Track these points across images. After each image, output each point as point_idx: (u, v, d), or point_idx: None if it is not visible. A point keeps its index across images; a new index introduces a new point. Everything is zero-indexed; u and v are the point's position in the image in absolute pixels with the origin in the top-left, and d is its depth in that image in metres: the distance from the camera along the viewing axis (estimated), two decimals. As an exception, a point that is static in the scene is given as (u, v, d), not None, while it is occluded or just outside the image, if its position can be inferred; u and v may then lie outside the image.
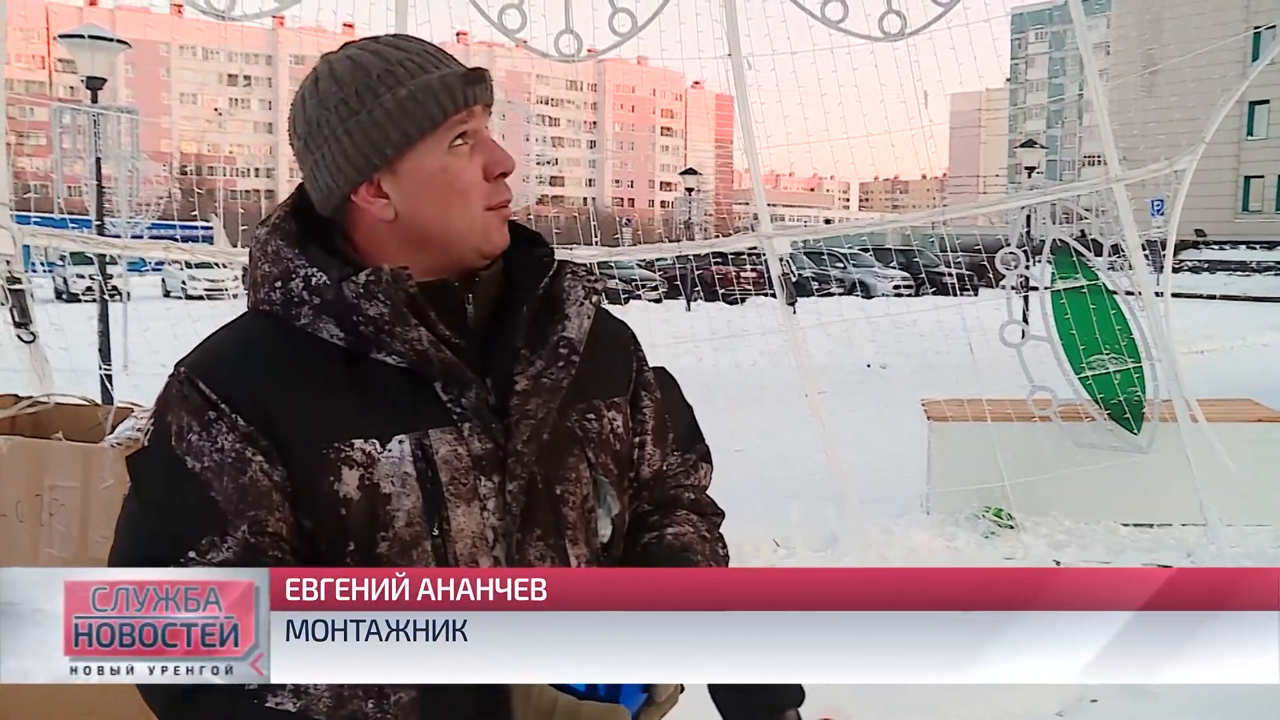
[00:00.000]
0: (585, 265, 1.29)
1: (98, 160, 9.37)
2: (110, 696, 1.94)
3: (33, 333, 3.49)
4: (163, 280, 17.38)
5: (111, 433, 2.22)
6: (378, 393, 1.12)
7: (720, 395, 7.31)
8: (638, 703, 1.12)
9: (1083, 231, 5.85)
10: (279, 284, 1.15)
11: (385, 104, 1.14)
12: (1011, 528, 5.75)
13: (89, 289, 8.35)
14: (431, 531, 1.10)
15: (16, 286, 3.43)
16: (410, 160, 1.15)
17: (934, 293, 8.26)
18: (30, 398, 2.38)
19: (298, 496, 1.10)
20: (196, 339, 1.20)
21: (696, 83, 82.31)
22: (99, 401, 2.80)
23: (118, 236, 7.99)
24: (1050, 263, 5.81)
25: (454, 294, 1.17)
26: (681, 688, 1.18)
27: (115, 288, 8.72)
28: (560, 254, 1.26)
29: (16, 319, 3.45)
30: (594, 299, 1.24)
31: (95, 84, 9.40)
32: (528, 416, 1.15)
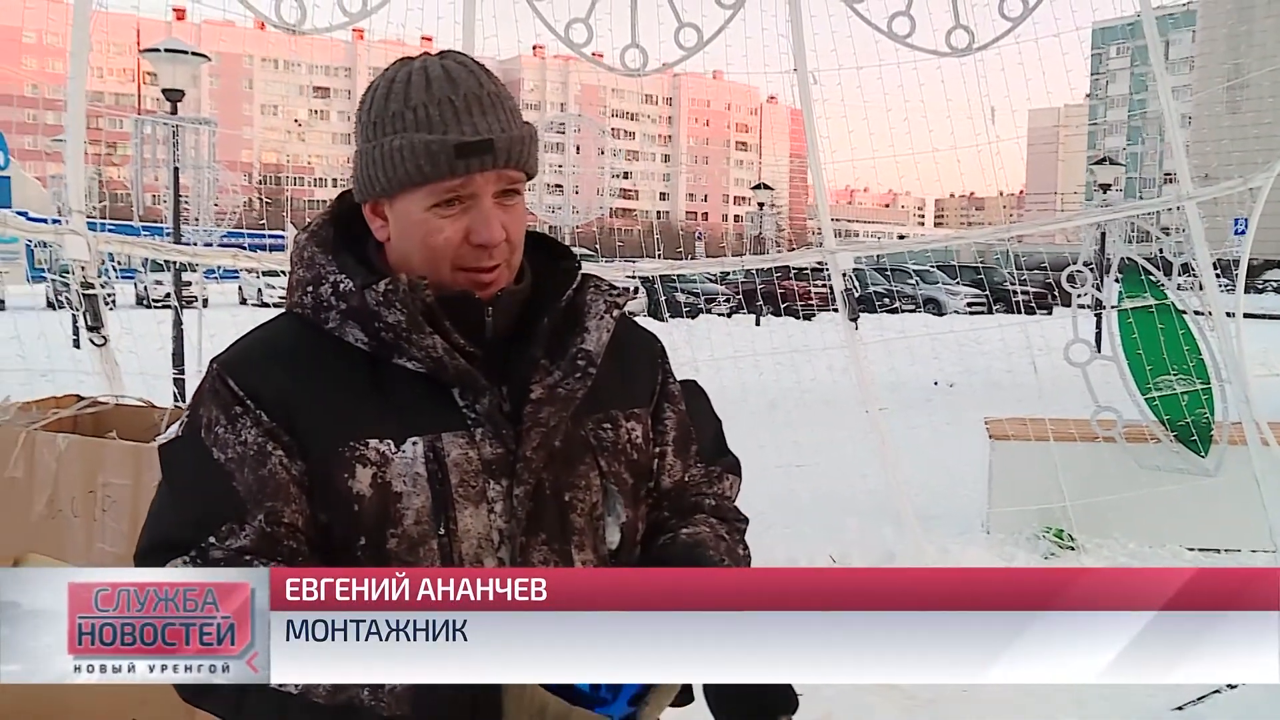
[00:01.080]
0: (609, 280, 1.31)
1: (175, 170, 9.69)
2: (161, 690, 2.00)
3: (104, 336, 3.63)
4: (239, 288, 17.81)
5: (165, 432, 2.30)
6: (396, 396, 1.17)
7: (784, 410, 7.28)
8: (638, 704, 1.14)
9: (1160, 250, 5.73)
10: (310, 288, 1.21)
11: (386, 145, 1.19)
12: (1073, 549, 5.63)
13: (168, 295, 8.60)
14: (439, 530, 1.15)
15: (90, 291, 3.56)
16: (399, 202, 1.20)
17: (1004, 310, 8.10)
18: (91, 399, 2.47)
19: (315, 490, 1.15)
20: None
21: (771, 98, 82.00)
22: (170, 404, 2.89)
23: (192, 244, 8.24)
24: (1118, 281, 5.69)
25: (474, 305, 1.21)
26: (687, 689, 1.20)
27: (193, 295, 8.98)
28: (589, 268, 1.30)
29: (90, 323, 3.59)
30: (614, 313, 1.27)
31: (174, 96, 9.73)
32: (539, 424, 1.19)
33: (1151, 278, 5.52)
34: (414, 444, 1.15)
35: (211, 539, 1.12)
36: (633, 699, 1.15)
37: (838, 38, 5.92)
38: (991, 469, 6.03)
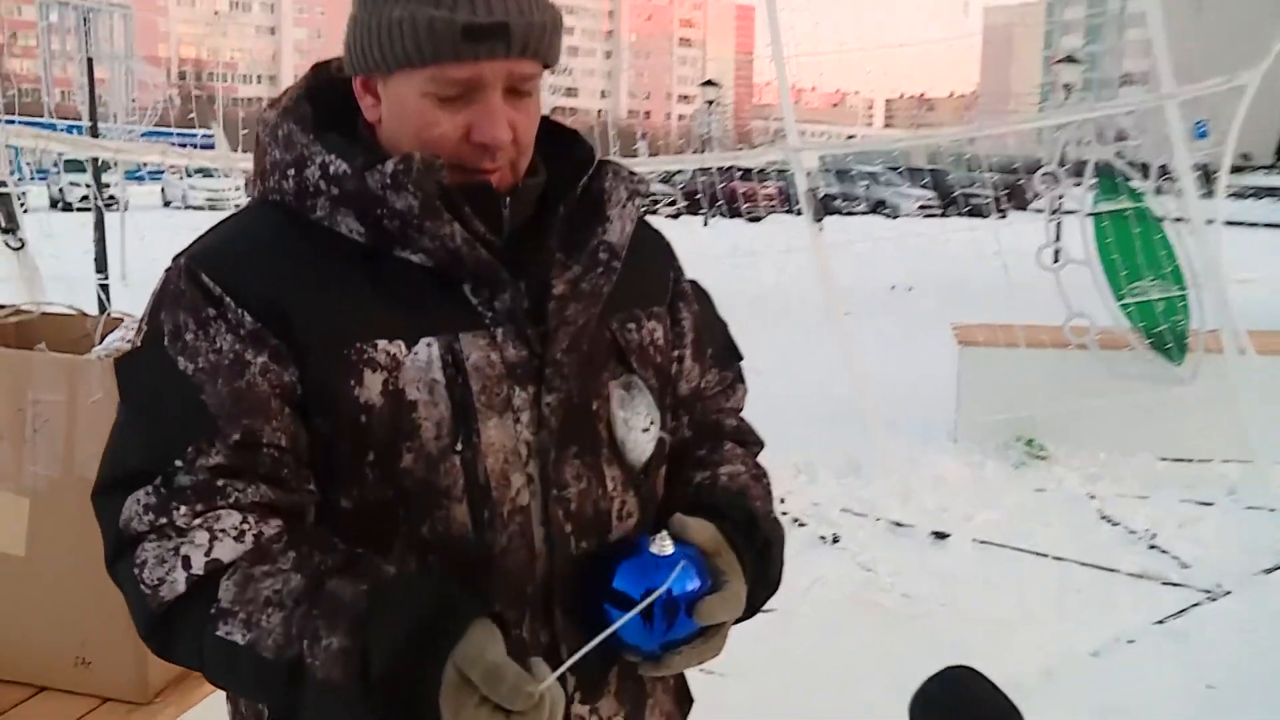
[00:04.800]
0: (629, 166, 1.20)
1: (89, 60, 9.15)
2: (109, 629, 1.90)
3: (21, 239, 3.39)
4: (162, 190, 17.19)
5: (100, 344, 2.11)
6: (402, 292, 1.05)
7: (739, 315, 7.18)
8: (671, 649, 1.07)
9: (1119, 153, 5.66)
10: (291, 172, 1.08)
11: (385, 15, 1.04)
12: (1044, 459, 5.66)
13: (85, 198, 8.19)
14: (460, 444, 1.04)
15: (2, 190, 3.31)
16: (394, 83, 1.07)
17: (965, 213, 8.08)
18: (13, 306, 2.27)
19: (314, 400, 1.04)
20: (197, 244, 1.11)
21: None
22: (97, 313, 2.68)
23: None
24: (1092, 185, 5.62)
25: (490, 196, 1.09)
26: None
27: (112, 196, 8.58)
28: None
29: (3, 224, 3.35)
30: (637, 201, 1.17)
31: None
32: (566, 323, 1.09)
33: (1128, 181, 5.45)
34: (428, 345, 1.04)
35: (178, 462, 1.00)
36: (668, 645, 1.07)
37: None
38: (960, 376, 6.02)
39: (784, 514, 4.96)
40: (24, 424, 1.91)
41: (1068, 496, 5.24)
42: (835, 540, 4.70)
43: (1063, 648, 3.60)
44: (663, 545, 1.06)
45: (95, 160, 6.04)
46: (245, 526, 1.00)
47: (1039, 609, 3.91)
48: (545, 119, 1.18)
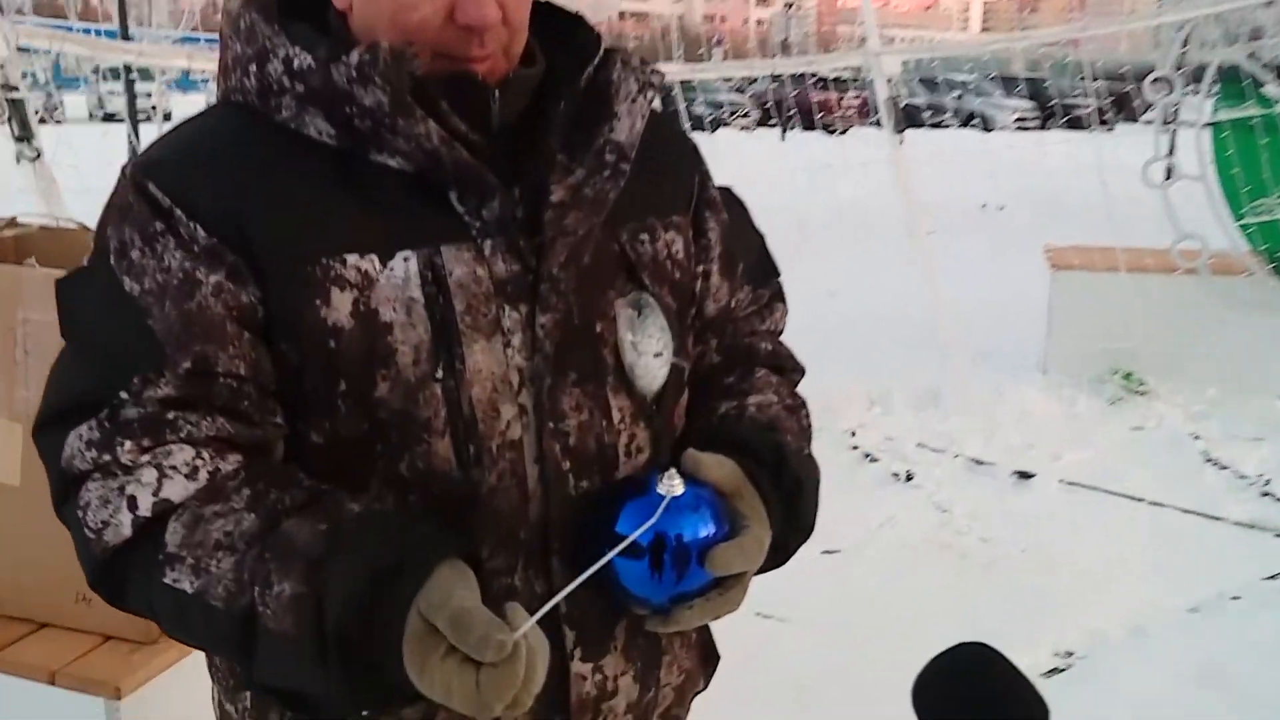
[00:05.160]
0: (640, 56, 1.11)
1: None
2: None
3: (36, 149, 3.35)
4: (206, 100, 17.24)
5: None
6: (378, 201, 0.99)
7: (815, 231, 7.01)
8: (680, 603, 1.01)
9: (1251, 54, 5.31)
10: (254, 67, 1.02)
11: None
12: (1143, 394, 5.45)
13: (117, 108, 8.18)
14: (441, 371, 0.98)
15: (15, 95, 3.26)
16: None
17: (1065, 125, 7.75)
18: (7, 219, 2.23)
19: (278, 323, 0.98)
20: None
21: (799, -117, 78.23)
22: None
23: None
24: (1213, 92, 5.30)
25: (475, 88, 1.01)
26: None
27: (153, 106, 8.56)
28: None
29: (16, 133, 3.31)
30: (649, 94, 1.09)
31: None
32: (565, 233, 1.03)
33: (1258, 86, 5.12)
34: (405, 260, 0.98)
35: (124, 394, 0.95)
36: (678, 597, 1.01)
37: None
38: (1051, 302, 5.81)
39: (854, 448, 4.91)
40: (14, 345, 1.88)
41: (1169, 436, 5.05)
42: (909, 478, 4.62)
43: (1156, 602, 3.48)
44: (671, 484, 0.98)
45: (127, 67, 5.98)
46: (199, 463, 0.95)
47: (1131, 559, 3.78)
48: (544, 1, 1.10)
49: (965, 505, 4.31)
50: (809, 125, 9.09)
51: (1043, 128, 10.17)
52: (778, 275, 1.31)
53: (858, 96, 13.36)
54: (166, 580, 0.92)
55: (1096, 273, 5.57)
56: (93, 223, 2.56)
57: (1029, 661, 3.18)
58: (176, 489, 0.94)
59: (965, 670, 0.97)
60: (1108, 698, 2.98)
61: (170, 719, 1.96)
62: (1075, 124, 7.75)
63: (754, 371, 1.21)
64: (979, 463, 4.74)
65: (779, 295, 1.31)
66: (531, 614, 0.86)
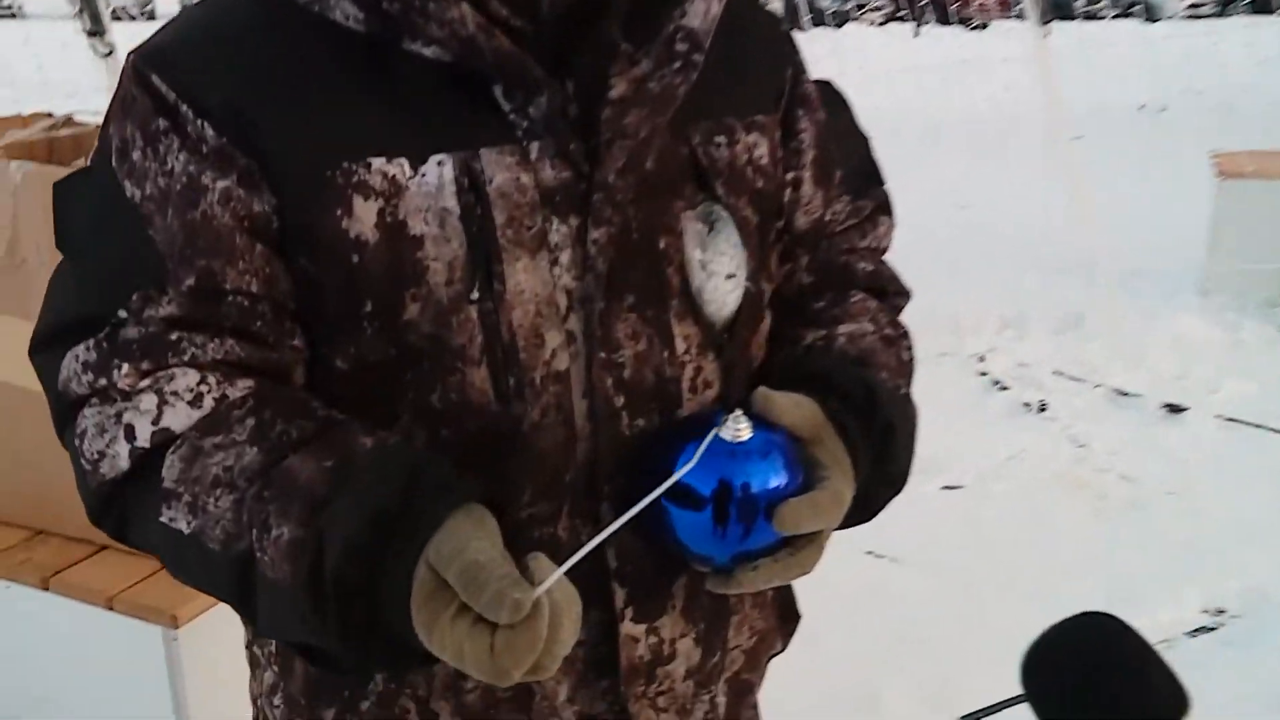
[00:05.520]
0: None
1: None
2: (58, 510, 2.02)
3: (109, 44, 3.34)
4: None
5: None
6: (410, 96, 0.93)
7: (949, 138, 6.77)
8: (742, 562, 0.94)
9: None
10: None
11: None
12: (1319, 319, 5.16)
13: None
14: (477, 291, 0.93)
15: (85, -13, 3.25)
16: None
17: (1249, 9, 7.25)
18: (64, 117, 2.22)
19: (295, 235, 0.93)
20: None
21: None
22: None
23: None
24: None
25: None
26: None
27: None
28: None
29: (89, 27, 3.30)
30: None
31: None
32: (624, 135, 0.95)
33: None
34: (439, 164, 0.92)
35: (123, 312, 0.91)
36: (741, 556, 0.93)
37: None
38: (1217, 215, 5.50)
39: (982, 375, 4.76)
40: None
41: (1347, 370, 4.77)
42: (1043, 408, 4.47)
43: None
44: (737, 428, 0.90)
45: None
46: (203, 389, 0.90)
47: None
48: None
49: (1105, 440, 4.15)
50: (944, 19, 8.75)
51: (1221, 13, 9.51)
52: (882, 184, 1.22)
53: (1002, -15, 12.79)
54: (163, 519, 0.88)
55: (1271, 181, 5.28)
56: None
57: (1173, 618, 3.07)
58: (179, 418, 0.89)
59: (1086, 649, 0.86)
60: (1264, 663, 2.84)
61: (229, 650, 1.96)
62: (1262, 7, 7.25)
63: (849, 295, 1.13)
64: (1123, 394, 4.56)
65: (884, 207, 1.22)
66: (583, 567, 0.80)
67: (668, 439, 0.94)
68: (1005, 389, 4.61)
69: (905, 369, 1.10)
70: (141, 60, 0.94)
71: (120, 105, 0.95)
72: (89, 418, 0.91)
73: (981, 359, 4.87)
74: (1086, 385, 4.64)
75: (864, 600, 2.97)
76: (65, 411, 0.94)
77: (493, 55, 0.90)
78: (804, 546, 0.95)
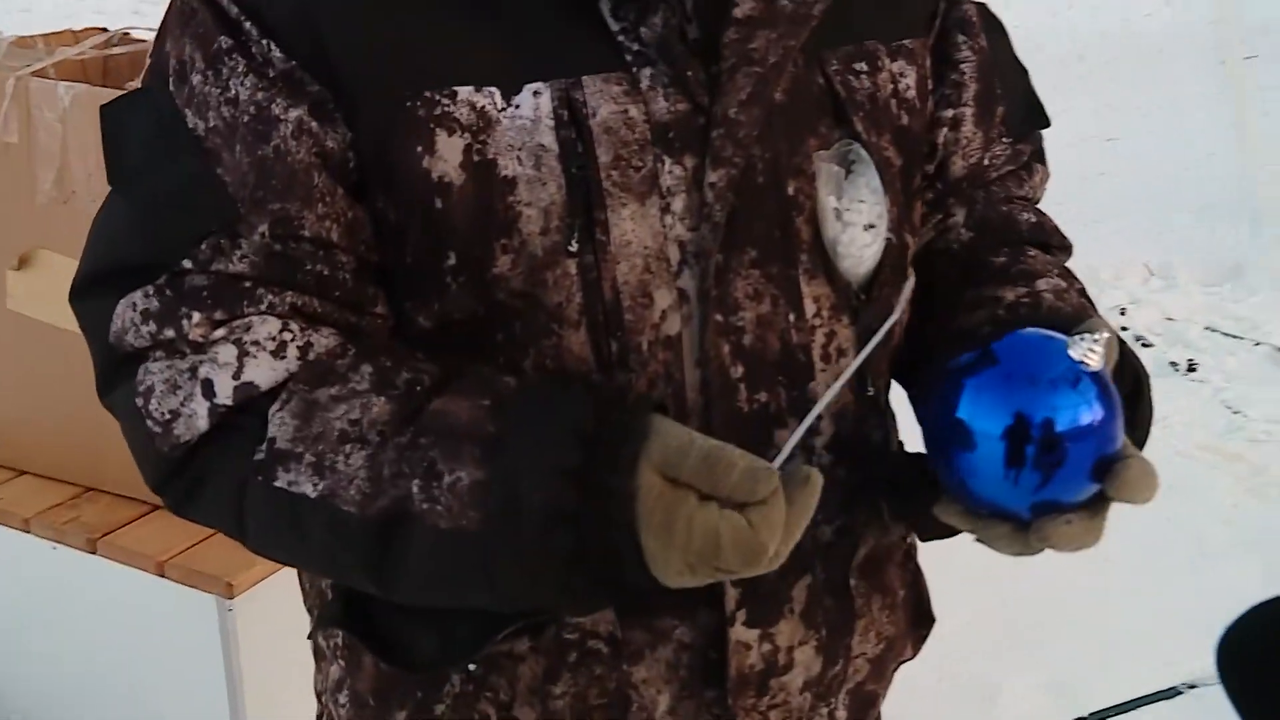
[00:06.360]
0: None
1: None
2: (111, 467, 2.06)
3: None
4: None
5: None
6: (502, 14, 0.91)
7: (1092, 59, 6.57)
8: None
9: None
10: None
11: None
12: None
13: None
14: (576, 242, 0.90)
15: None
16: None
17: None
18: (120, 31, 2.24)
19: (372, 173, 0.92)
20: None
21: None
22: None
23: None
24: None
25: None
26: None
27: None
28: None
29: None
30: None
31: None
32: (750, 60, 0.92)
33: None
34: (535, 95, 0.90)
35: (186, 261, 0.89)
36: (1045, 507, 0.89)
37: None
38: None
39: (1124, 329, 4.69)
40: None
41: None
42: (1191, 369, 4.42)
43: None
44: (1091, 348, 0.85)
45: None
46: (286, 336, 0.89)
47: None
48: None
49: (1264, 407, 4.10)
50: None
51: None
52: (1045, 125, 1.19)
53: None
54: (278, 484, 0.87)
55: None
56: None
57: None
58: (262, 371, 0.89)
59: None
60: None
61: (286, 623, 1.99)
62: None
63: (1025, 250, 1.11)
64: (1287, 354, 4.51)
65: (1040, 154, 1.20)
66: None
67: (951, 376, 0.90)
68: (1149, 346, 4.56)
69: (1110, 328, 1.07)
70: None
71: (177, 19, 0.93)
72: (155, 373, 0.90)
73: (1122, 311, 4.81)
74: (1244, 344, 4.57)
75: (983, 587, 2.95)
76: (117, 365, 0.92)
77: None
78: (1100, 510, 0.91)
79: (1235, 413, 4.09)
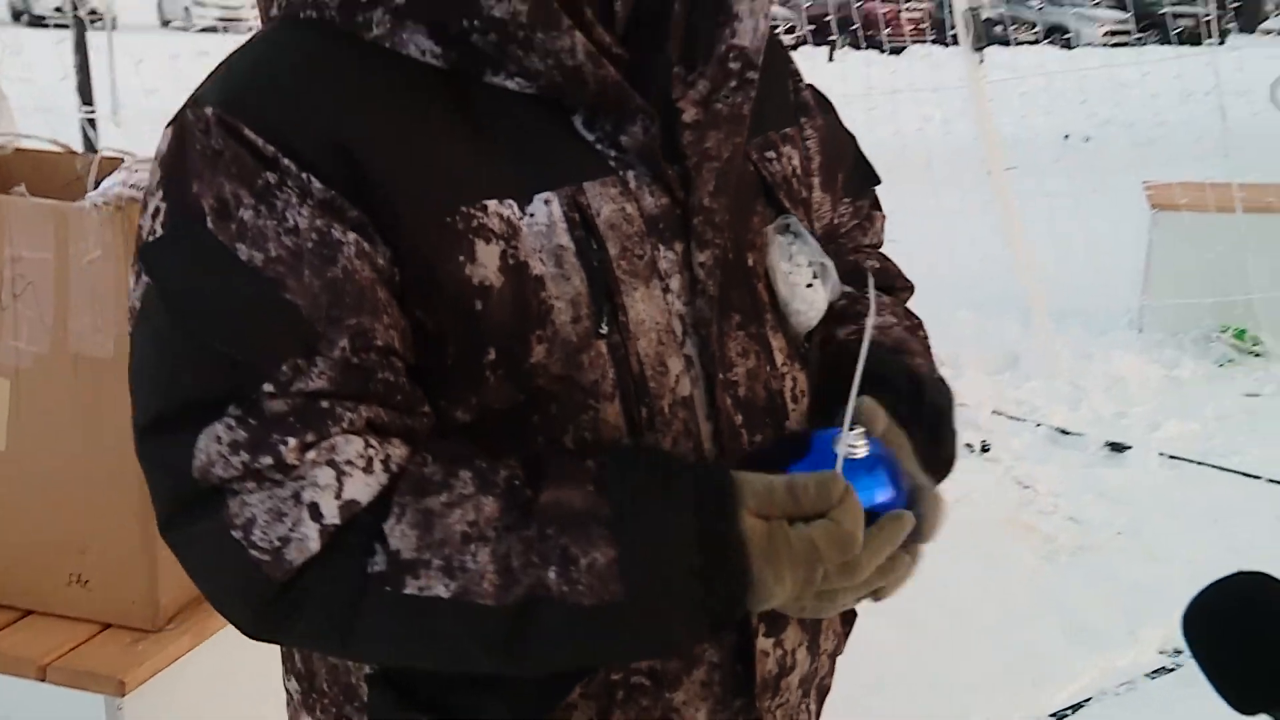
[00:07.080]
0: None
1: None
2: (103, 548, 1.91)
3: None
4: (159, 5, 17.17)
5: (95, 188, 2.07)
6: (499, 133, 0.97)
7: (877, 169, 6.90)
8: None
9: None
10: None
11: None
12: (1258, 355, 5.48)
13: (58, 8, 8.07)
14: (604, 325, 0.98)
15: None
16: None
17: (1172, 39, 7.73)
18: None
19: (412, 287, 0.96)
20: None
21: None
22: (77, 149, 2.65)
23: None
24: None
25: None
26: None
27: (94, 10, 8.53)
28: None
29: None
30: None
31: None
32: (709, 157, 1.03)
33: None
34: (546, 203, 0.97)
35: (268, 386, 0.90)
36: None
37: None
38: (1152, 248, 5.80)
39: None
40: (2, 288, 1.89)
41: (1287, 402, 5.06)
42: (985, 449, 4.66)
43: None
44: (854, 446, 0.98)
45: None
46: (371, 453, 0.92)
47: (1246, 543, 3.80)
48: None
49: (1050, 481, 4.35)
50: (866, 43, 9.02)
51: (1140, 42, 10.03)
52: (876, 181, 1.34)
53: (922, 7, 13.20)
54: (408, 590, 0.89)
55: (1205, 214, 5.52)
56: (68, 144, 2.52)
57: (1131, 660, 3.22)
58: (358, 488, 0.91)
59: (1246, 604, 0.98)
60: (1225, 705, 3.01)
61: (181, 717, 1.96)
62: (1183, 38, 7.68)
63: (864, 292, 1.21)
64: (1065, 433, 4.78)
65: (876, 203, 1.35)
66: None
67: (766, 460, 1.01)
68: (946, 431, 4.79)
69: (931, 354, 1.22)
70: (224, 108, 0.94)
71: (203, 161, 0.93)
72: (255, 503, 0.90)
73: (921, 399, 5.04)
74: (1027, 425, 4.85)
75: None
76: (202, 500, 0.91)
77: (596, 84, 0.96)
78: (908, 553, 1.02)
79: (1025, 488, 4.31)
